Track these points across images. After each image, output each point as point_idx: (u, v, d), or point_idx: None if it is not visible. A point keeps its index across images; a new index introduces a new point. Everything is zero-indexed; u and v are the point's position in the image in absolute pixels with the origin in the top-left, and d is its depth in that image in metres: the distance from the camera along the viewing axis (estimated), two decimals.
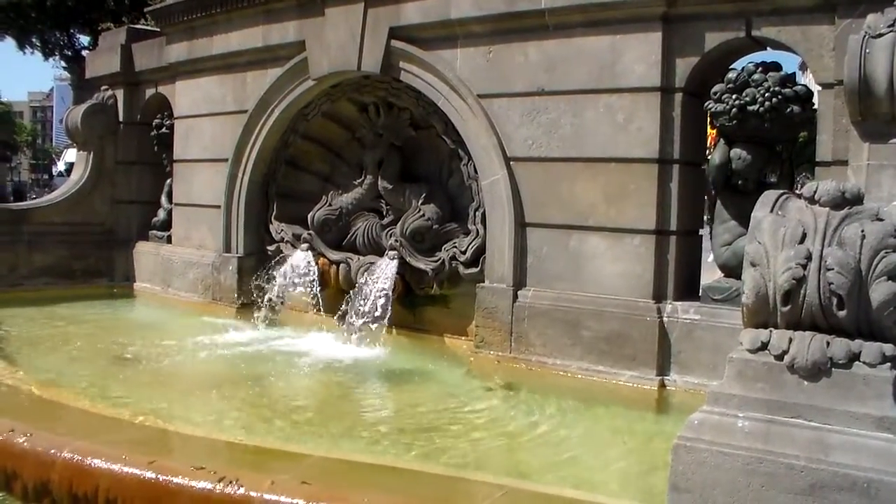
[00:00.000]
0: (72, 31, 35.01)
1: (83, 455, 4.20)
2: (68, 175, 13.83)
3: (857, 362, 3.14)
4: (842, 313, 3.19)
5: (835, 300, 3.19)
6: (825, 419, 3.09)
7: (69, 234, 10.73)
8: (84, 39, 34.74)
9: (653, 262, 6.18)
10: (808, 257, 3.22)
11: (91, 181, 11.08)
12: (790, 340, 3.24)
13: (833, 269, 3.16)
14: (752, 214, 3.54)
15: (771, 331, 3.34)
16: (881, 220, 3.26)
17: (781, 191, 3.72)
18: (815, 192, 3.37)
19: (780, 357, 3.24)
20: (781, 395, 3.19)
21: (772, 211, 3.51)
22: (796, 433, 3.10)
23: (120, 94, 11.22)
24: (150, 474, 4.00)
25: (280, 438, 5.10)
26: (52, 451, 4.27)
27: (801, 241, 3.27)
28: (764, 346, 3.30)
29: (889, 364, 3.11)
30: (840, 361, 3.15)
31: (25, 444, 4.38)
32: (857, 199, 3.33)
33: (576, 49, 6.49)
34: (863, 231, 3.19)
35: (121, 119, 11.24)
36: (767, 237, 3.36)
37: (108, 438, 4.54)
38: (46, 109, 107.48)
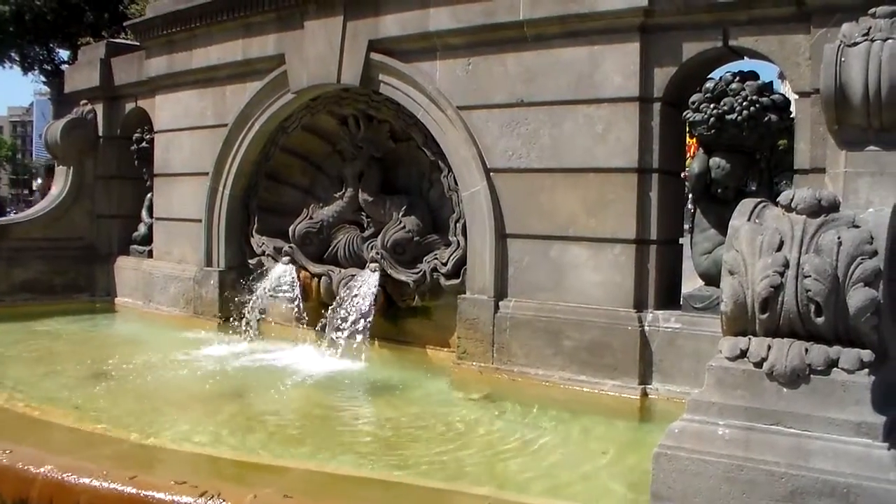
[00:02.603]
0: (51, 45, 34.93)
1: (63, 471, 4.17)
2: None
3: (835, 368, 3.17)
4: (819, 320, 3.22)
5: (812, 307, 3.21)
6: (805, 425, 3.11)
7: (49, 250, 10.68)
8: (63, 54, 34.69)
9: (633, 271, 6.20)
10: (786, 265, 3.24)
11: (71, 196, 11.04)
12: (769, 348, 3.26)
13: (810, 276, 3.18)
14: (730, 223, 3.56)
15: (750, 338, 3.36)
16: (857, 226, 3.29)
17: (759, 199, 3.74)
18: (791, 200, 3.40)
19: (759, 364, 3.26)
20: (761, 403, 3.21)
21: (749, 219, 3.54)
22: (776, 440, 3.12)
23: (99, 108, 11.18)
24: (131, 490, 3.98)
25: (262, 452, 5.08)
26: (32, 467, 4.23)
27: (779, 248, 3.29)
28: (743, 354, 3.32)
29: (867, 370, 3.14)
30: (818, 368, 3.17)
31: (5, 460, 4.34)
32: (834, 207, 3.36)
33: (554, 60, 6.52)
34: (839, 238, 3.22)
35: (100, 133, 11.19)
36: (745, 245, 3.38)
37: (88, 454, 4.52)
38: (26, 124, 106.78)
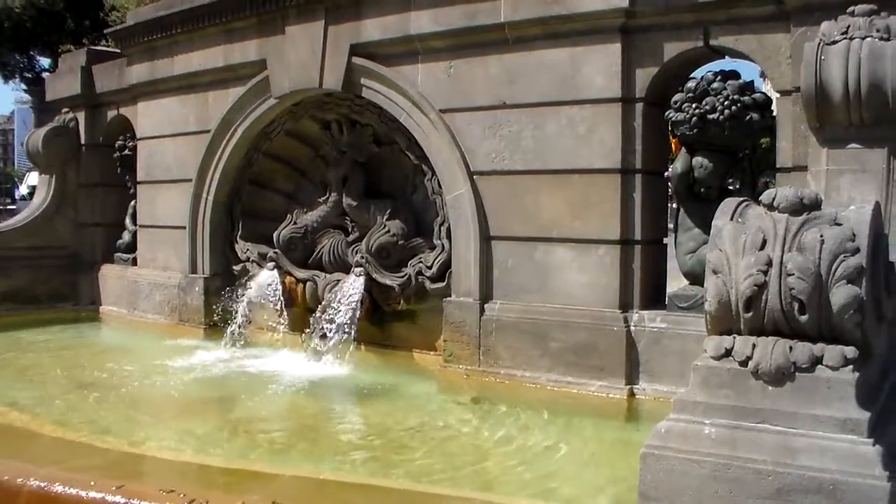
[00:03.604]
0: (31, 53, 34.75)
1: (50, 482, 4.13)
2: (31, 199, 13.70)
3: (819, 366, 3.17)
4: (803, 318, 3.22)
5: (796, 305, 3.21)
6: (790, 423, 3.12)
7: (32, 259, 10.61)
8: (44, 61, 34.50)
9: (618, 271, 6.21)
10: (769, 263, 3.25)
11: (54, 204, 10.98)
12: (753, 346, 3.27)
13: (793, 274, 3.19)
14: (713, 223, 3.57)
15: (734, 337, 3.36)
16: (839, 224, 3.29)
17: (741, 198, 3.75)
18: (773, 198, 3.40)
19: (744, 363, 3.26)
20: (746, 401, 3.22)
21: (732, 219, 3.55)
22: (762, 438, 3.12)
23: (81, 116, 11.14)
24: (118, 499, 3.95)
25: (250, 459, 5.07)
26: (19, 479, 4.19)
27: (762, 247, 3.30)
28: (728, 353, 3.32)
29: (851, 366, 3.14)
30: (803, 365, 3.17)
31: None
32: (816, 205, 3.37)
33: (536, 62, 6.53)
34: (821, 236, 3.23)
35: (83, 141, 11.15)
36: (728, 245, 3.39)
37: (75, 465, 4.50)
38: (7, 133, 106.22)
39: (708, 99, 5.81)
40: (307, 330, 7.78)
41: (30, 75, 35.73)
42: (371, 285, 7.62)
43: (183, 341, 8.77)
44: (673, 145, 6.99)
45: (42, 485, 4.13)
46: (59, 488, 4.09)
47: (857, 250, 3.22)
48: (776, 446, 3.08)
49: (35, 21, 31.15)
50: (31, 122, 39.96)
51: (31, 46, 33.63)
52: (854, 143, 4.94)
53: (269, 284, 8.24)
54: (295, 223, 8.38)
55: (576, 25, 6.31)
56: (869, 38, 4.82)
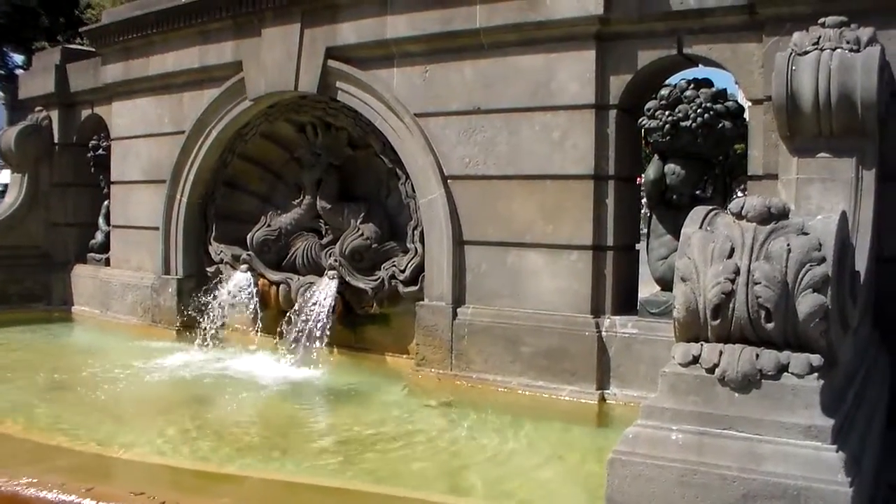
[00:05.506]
0: (4, 49, 34.47)
1: (18, 484, 4.13)
2: (2, 197, 13.61)
3: (785, 373, 3.20)
4: (770, 326, 3.25)
5: (763, 313, 3.24)
6: (756, 430, 3.14)
7: (4, 258, 10.55)
8: (18, 58, 34.23)
9: (590, 277, 6.24)
10: (737, 272, 3.27)
11: (26, 204, 10.93)
12: (720, 353, 3.29)
13: (760, 283, 3.21)
14: (682, 230, 3.59)
15: (702, 344, 3.38)
16: (806, 234, 3.33)
17: (711, 207, 3.79)
18: (742, 207, 3.43)
19: (711, 370, 3.28)
20: (713, 408, 3.24)
21: (701, 227, 3.57)
22: (728, 444, 3.14)
23: (55, 114, 11.09)
24: (88, 501, 3.96)
25: (221, 461, 5.06)
26: None
27: (730, 256, 3.32)
28: (695, 360, 3.34)
29: (816, 374, 3.17)
30: (769, 373, 3.20)
31: None
32: (783, 214, 3.40)
33: (511, 68, 6.56)
34: (788, 245, 3.25)
35: (56, 140, 11.10)
36: (697, 252, 3.41)
37: (45, 466, 4.49)
38: None
39: (681, 106, 5.85)
40: (280, 332, 7.77)
41: (2, 72, 35.42)
42: (344, 288, 7.63)
43: (155, 343, 8.74)
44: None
45: (11, 487, 4.12)
46: (28, 490, 4.09)
47: (823, 259, 3.25)
48: (742, 452, 3.10)
49: (9, 17, 30.92)
50: (2, 119, 39.59)
51: (4, 43, 33.36)
52: (823, 153, 4.99)
53: (243, 286, 8.23)
54: (269, 225, 8.36)
55: (551, 32, 6.34)
56: (839, 50, 4.88)
